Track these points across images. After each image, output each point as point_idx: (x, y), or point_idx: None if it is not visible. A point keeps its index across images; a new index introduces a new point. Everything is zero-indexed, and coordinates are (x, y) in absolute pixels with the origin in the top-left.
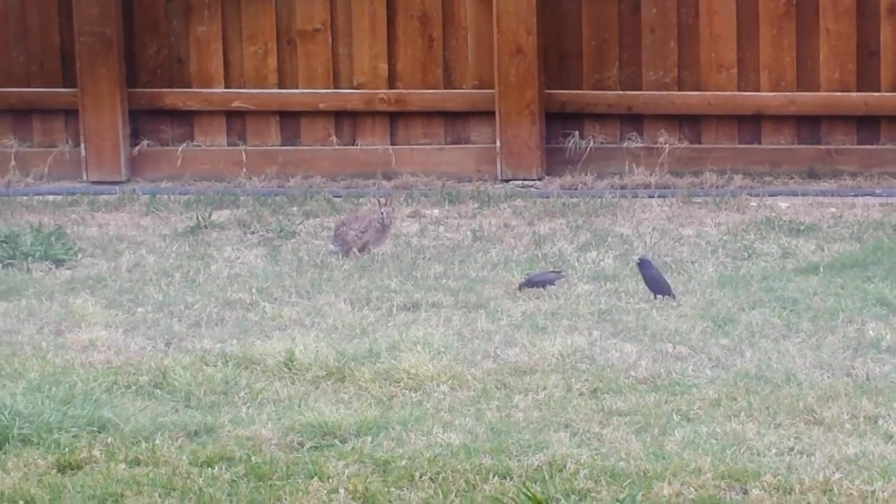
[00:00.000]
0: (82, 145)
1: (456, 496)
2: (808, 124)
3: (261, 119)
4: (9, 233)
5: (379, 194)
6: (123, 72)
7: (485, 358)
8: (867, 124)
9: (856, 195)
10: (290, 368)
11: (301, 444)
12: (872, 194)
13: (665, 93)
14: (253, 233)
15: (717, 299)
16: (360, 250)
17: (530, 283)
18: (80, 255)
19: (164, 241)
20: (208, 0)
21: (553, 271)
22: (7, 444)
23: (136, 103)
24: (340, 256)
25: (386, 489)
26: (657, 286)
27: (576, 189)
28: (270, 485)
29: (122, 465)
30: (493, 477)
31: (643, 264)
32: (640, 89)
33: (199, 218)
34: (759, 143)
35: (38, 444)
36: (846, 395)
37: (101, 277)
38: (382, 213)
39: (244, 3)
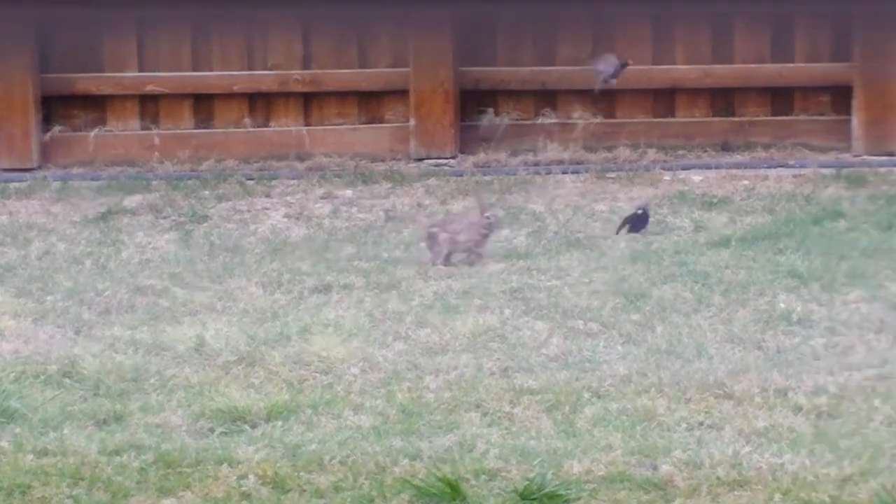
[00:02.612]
0: None
1: (366, 479)
2: (723, 97)
3: (174, 102)
4: None
5: (477, 193)
6: (35, 57)
7: (396, 339)
8: (781, 96)
9: (769, 167)
10: (200, 354)
11: (211, 430)
12: (785, 166)
13: (579, 68)
14: (165, 217)
15: (628, 275)
16: (450, 255)
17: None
18: None
19: (75, 227)
20: None
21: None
22: None
23: (48, 89)
24: (433, 263)
25: (296, 474)
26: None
27: (489, 167)
28: (180, 472)
29: (30, 456)
30: (404, 459)
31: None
32: (555, 65)
33: (111, 204)
34: (674, 116)
35: None
36: (756, 368)
37: (11, 266)
38: (489, 218)
39: None
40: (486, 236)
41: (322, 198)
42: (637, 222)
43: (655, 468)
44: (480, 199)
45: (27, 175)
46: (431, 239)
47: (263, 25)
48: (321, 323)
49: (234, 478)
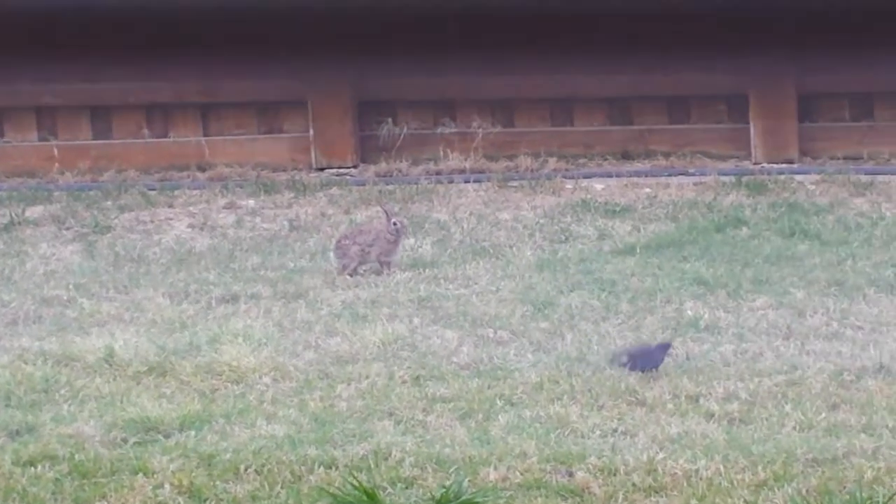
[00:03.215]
0: None
1: (282, 488)
2: (620, 106)
3: (72, 114)
4: None
5: (382, 201)
6: None
7: (306, 348)
8: (678, 104)
9: (669, 175)
10: (110, 364)
11: (125, 441)
12: (686, 174)
13: (477, 78)
14: (68, 228)
15: (535, 283)
16: (362, 265)
17: (632, 359)
18: None
19: None
20: None
21: (661, 344)
22: None
23: None
24: (340, 273)
25: (212, 483)
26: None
27: (391, 176)
28: (95, 482)
29: None
30: (319, 467)
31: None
32: (453, 75)
33: (13, 215)
34: (573, 125)
35: None
36: (667, 375)
37: None
38: (397, 224)
39: None
40: (394, 243)
41: (225, 208)
42: (646, 359)
43: (571, 475)
44: (386, 206)
45: None
46: (341, 250)
47: None
48: (230, 332)
49: (150, 487)
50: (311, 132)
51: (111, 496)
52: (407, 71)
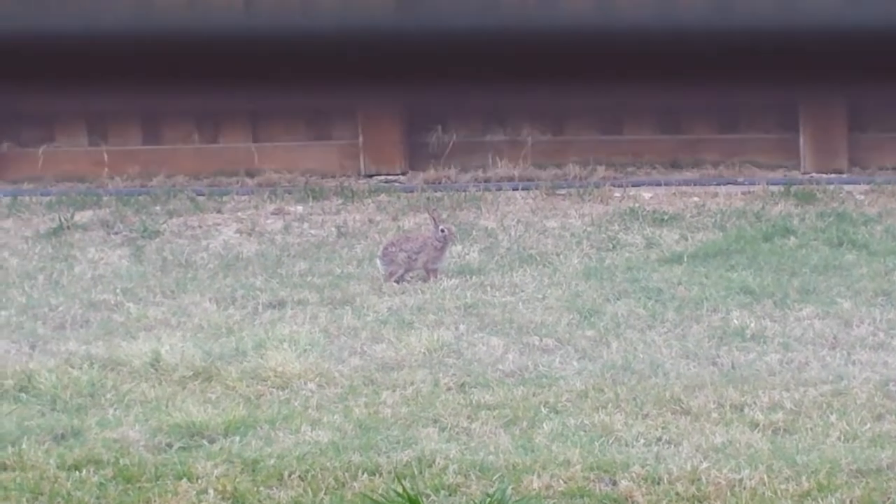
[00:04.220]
0: None
1: (325, 494)
2: (670, 115)
3: (122, 119)
4: None
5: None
6: None
7: (352, 355)
8: (728, 113)
9: (718, 184)
10: (156, 369)
11: (169, 446)
12: (734, 183)
13: (527, 86)
14: (116, 233)
15: (582, 291)
16: (408, 272)
17: None
18: None
19: (27, 243)
20: None
21: None
22: None
23: None
24: (387, 280)
25: (255, 489)
26: None
27: (440, 183)
28: (139, 487)
29: None
30: (363, 474)
31: None
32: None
33: (62, 219)
34: (622, 133)
35: None
36: (712, 384)
37: None
38: (444, 231)
39: None
40: (441, 250)
41: (273, 214)
42: None
43: (615, 483)
44: (434, 213)
45: None
46: (388, 257)
47: None
48: (276, 338)
49: (194, 493)
50: (361, 139)
51: (155, 501)
52: (457, 79)
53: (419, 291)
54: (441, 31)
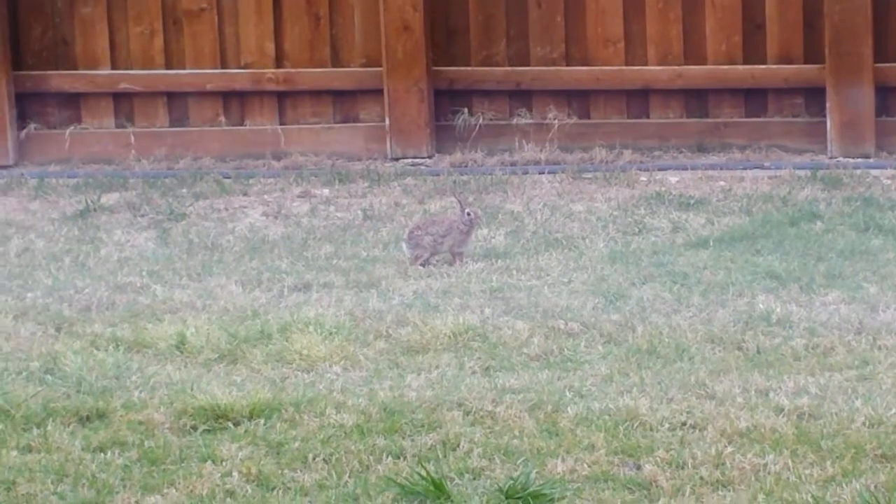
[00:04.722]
0: None
1: (350, 477)
2: (696, 98)
3: (148, 100)
4: None
5: (456, 191)
6: (8, 54)
7: (377, 338)
8: (754, 97)
9: (744, 168)
10: (181, 351)
11: (194, 428)
12: (761, 167)
13: (553, 68)
14: (143, 215)
15: (608, 275)
16: (434, 255)
17: None
18: None
19: (54, 225)
20: None
21: None
22: None
23: (21, 86)
24: (412, 263)
25: (280, 471)
26: None
27: (466, 166)
28: (164, 469)
29: (14, 452)
30: (387, 457)
31: None
32: (529, 65)
33: (89, 201)
34: (648, 117)
35: None
36: (737, 368)
37: None
38: (470, 214)
39: None
40: (467, 234)
41: (299, 196)
42: None
43: (639, 468)
44: (460, 196)
45: (4, 172)
46: (414, 240)
47: (234, 23)
48: (302, 321)
49: (219, 475)
50: (387, 121)
51: (179, 483)
52: (484, 60)
53: (445, 275)
54: None
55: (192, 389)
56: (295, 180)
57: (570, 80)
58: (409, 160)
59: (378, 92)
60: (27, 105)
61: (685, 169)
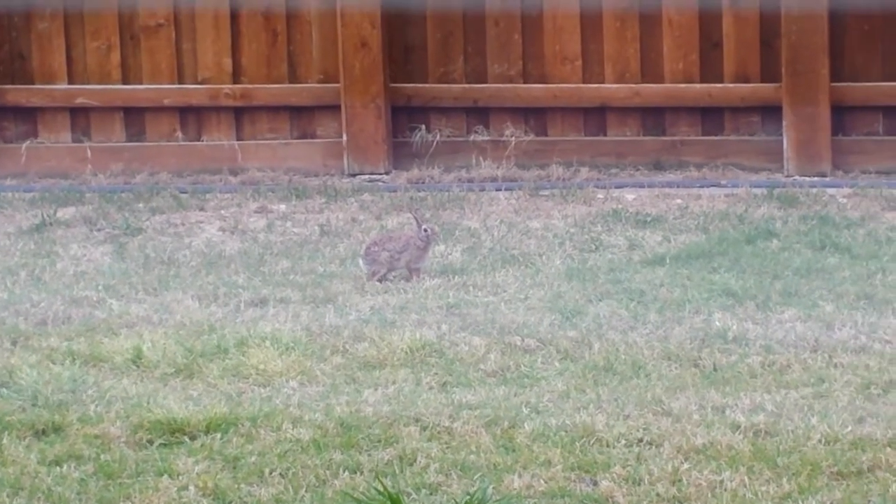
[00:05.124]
0: None
1: (307, 491)
2: (653, 116)
3: (105, 115)
4: None
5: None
6: None
7: (334, 353)
8: (711, 115)
9: (701, 186)
10: (138, 366)
11: (150, 442)
12: (718, 185)
13: (510, 85)
14: (99, 230)
15: (564, 292)
16: (391, 271)
17: None
18: None
19: (10, 239)
20: None
21: None
22: None
23: None
24: (369, 279)
25: (236, 485)
26: None
27: (423, 183)
28: (120, 483)
29: None
30: (344, 472)
31: None
32: (486, 82)
33: (45, 215)
34: (605, 135)
35: None
36: (694, 385)
37: None
38: (427, 230)
39: None
40: (424, 250)
41: (256, 212)
42: None
43: (595, 484)
44: (416, 213)
45: None
46: (371, 256)
47: (191, 39)
48: (258, 336)
49: (175, 489)
50: (345, 137)
51: (136, 497)
52: (441, 77)
53: (402, 291)
54: None
55: (148, 403)
56: (252, 196)
57: (527, 97)
58: (367, 176)
59: (335, 108)
60: None
61: (642, 186)
